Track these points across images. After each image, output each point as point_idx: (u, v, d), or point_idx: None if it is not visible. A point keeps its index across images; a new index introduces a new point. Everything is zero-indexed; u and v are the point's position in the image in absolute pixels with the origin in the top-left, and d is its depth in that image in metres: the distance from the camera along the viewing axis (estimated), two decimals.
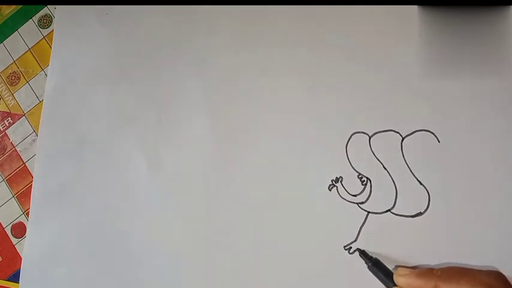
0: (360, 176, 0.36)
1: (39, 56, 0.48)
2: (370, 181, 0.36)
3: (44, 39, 0.48)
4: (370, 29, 0.38)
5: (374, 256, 0.34)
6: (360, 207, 0.36)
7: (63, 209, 0.43)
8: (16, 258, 0.44)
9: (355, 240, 0.35)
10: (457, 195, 0.34)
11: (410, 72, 0.36)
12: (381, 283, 0.33)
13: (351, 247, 0.35)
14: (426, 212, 0.34)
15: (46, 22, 0.48)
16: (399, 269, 0.33)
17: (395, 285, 0.32)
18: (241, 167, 0.39)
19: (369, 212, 0.35)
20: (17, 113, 0.47)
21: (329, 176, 0.37)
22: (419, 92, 0.36)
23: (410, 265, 0.34)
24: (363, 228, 0.35)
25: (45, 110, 0.46)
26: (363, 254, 0.34)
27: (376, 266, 0.33)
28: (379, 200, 0.35)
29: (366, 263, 0.34)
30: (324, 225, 0.36)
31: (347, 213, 0.36)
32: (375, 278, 0.33)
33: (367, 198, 0.35)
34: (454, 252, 0.33)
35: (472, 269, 0.31)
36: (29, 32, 0.48)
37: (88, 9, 0.47)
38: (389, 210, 0.35)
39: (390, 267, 0.34)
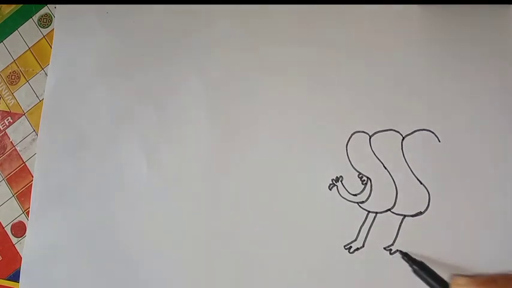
0: (360, 176, 0.36)
1: (39, 55, 0.48)
2: (371, 180, 0.36)
3: (44, 39, 0.48)
4: (370, 28, 0.38)
5: (418, 259, 0.32)
6: (360, 206, 0.36)
7: (63, 209, 0.43)
8: (16, 257, 0.44)
9: (355, 240, 0.35)
10: (457, 195, 0.34)
11: (410, 71, 0.37)
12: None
13: (351, 246, 0.35)
14: (426, 212, 0.34)
15: (46, 21, 0.48)
16: (457, 277, 0.30)
17: None
18: (241, 166, 0.39)
19: (369, 212, 0.35)
20: (17, 112, 0.47)
21: (329, 175, 0.37)
22: (420, 91, 0.36)
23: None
24: (363, 228, 0.35)
25: (45, 110, 0.46)
26: (406, 256, 0.33)
27: (423, 269, 0.32)
28: (380, 199, 0.35)
29: (410, 266, 0.32)
30: (324, 225, 0.36)
31: (347, 212, 0.36)
32: (375, 277, 0.33)
33: (368, 198, 0.36)
34: (454, 251, 0.33)
35: None
36: (29, 31, 0.48)
37: (88, 8, 0.46)
38: (389, 209, 0.35)
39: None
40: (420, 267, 0.32)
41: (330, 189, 0.36)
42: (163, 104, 0.42)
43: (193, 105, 0.42)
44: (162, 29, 0.44)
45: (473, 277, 0.30)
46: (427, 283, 0.31)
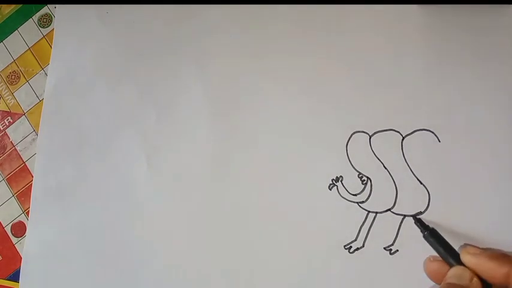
0: (360, 176, 0.36)
1: (39, 55, 0.48)
2: (371, 180, 0.36)
3: (44, 39, 0.48)
4: (370, 28, 0.38)
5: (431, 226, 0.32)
6: (360, 206, 0.36)
7: (63, 209, 0.43)
8: (16, 257, 0.44)
9: (355, 240, 0.35)
10: (457, 195, 0.34)
11: (410, 71, 0.37)
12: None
13: (351, 246, 0.35)
14: (426, 212, 0.34)
15: (46, 21, 0.48)
16: (469, 247, 0.30)
17: (457, 263, 0.29)
18: (241, 166, 0.39)
19: (369, 212, 0.35)
20: (17, 112, 0.47)
21: (329, 175, 0.37)
22: (420, 91, 0.36)
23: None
24: (363, 228, 0.35)
25: (45, 109, 0.46)
26: (418, 222, 0.33)
27: (433, 236, 0.31)
28: (380, 199, 0.35)
29: (421, 231, 0.32)
30: (324, 225, 0.36)
31: (347, 212, 0.36)
32: (375, 277, 0.33)
33: (368, 198, 0.36)
34: None
35: None
36: (29, 31, 0.48)
37: (88, 8, 0.47)
38: (389, 209, 0.35)
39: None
40: (431, 234, 0.32)
41: (330, 189, 0.36)
42: (163, 104, 0.42)
43: (193, 105, 0.42)
44: (162, 29, 0.44)
45: (485, 249, 0.30)
46: (437, 251, 0.31)
